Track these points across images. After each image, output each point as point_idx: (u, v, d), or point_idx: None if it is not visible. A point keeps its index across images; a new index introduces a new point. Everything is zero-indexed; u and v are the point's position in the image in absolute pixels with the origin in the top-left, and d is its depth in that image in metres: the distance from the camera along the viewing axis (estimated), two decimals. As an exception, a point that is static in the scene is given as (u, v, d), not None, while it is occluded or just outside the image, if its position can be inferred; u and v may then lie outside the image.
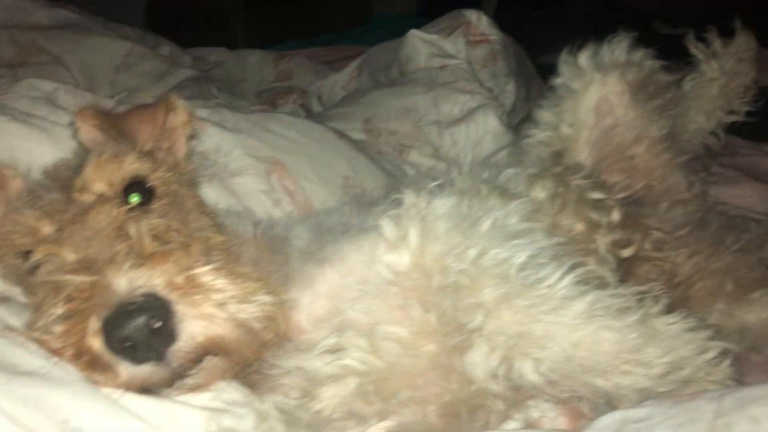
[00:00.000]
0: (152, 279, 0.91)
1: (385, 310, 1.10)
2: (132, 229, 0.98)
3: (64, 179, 1.14)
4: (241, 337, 0.94)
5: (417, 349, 1.07)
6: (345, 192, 1.77)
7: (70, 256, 0.96)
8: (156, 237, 0.99)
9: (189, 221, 1.13)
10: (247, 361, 0.99)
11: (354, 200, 1.52)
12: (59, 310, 0.91)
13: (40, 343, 0.93)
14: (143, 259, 0.93)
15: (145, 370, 0.90)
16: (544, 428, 0.99)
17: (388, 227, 1.14)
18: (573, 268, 0.99)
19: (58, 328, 0.91)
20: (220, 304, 0.92)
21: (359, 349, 1.04)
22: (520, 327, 0.94)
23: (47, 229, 1.06)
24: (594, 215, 1.26)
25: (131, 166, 1.13)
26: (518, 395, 0.98)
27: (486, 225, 1.10)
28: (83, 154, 1.23)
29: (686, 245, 1.53)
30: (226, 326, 0.92)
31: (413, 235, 1.12)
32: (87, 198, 1.08)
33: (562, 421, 1.00)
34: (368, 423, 1.00)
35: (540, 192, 1.30)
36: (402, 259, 1.12)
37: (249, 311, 0.95)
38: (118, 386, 0.91)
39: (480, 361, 0.96)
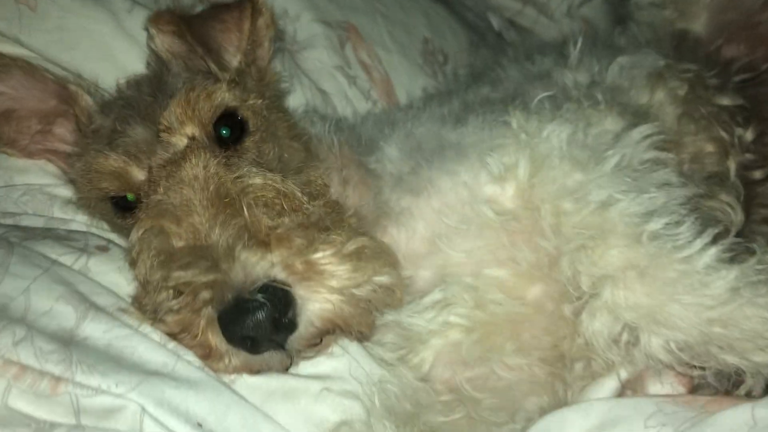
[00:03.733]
0: (271, 266, 0.84)
1: (487, 251, 1.01)
2: (243, 203, 0.89)
3: (144, 107, 1.03)
4: (361, 316, 0.89)
5: (521, 293, 1.00)
6: (425, 61, 1.59)
7: (172, 227, 0.89)
8: (265, 205, 0.90)
9: (286, 160, 1.04)
10: (365, 335, 0.94)
11: (442, 96, 1.35)
12: (171, 299, 0.86)
13: (156, 327, 0.89)
14: (259, 240, 0.85)
15: (264, 358, 0.87)
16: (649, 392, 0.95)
17: (491, 157, 1.01)
18: (715, 237, 0.87)
19: (172, 317, 0.86)
20: (340, 287, 0.86)
21: (464, 303, 0.97)
22: (653, 303, 0.85)
23: (138, 174, 0.98)
24: (725, 134, 1.09)
25: (222, 98, 1.02)
26: (633, 362, 0.92)
27: (612, 162, 0.96)
28: (159, 66, 1.10)
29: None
30: (345, 308, 0.86)
31: (522, 168, 0.99)
32: (177, 141, 0.98)
33: (676, 389, 0.94)
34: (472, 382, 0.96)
35: (665, 103, 1.12)
36: (507, 193, 1.01)
37: (368, 290, 0.89)
38: (234, 371, 0.89)
39: (602, 330, 0.89)
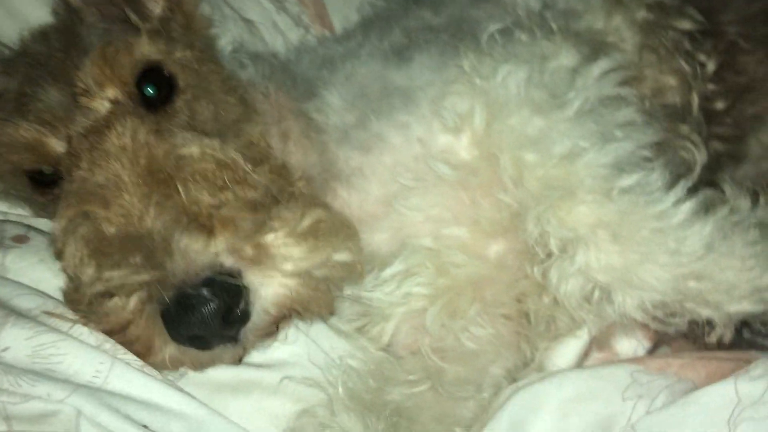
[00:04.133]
0: (216, 254, 0.75)
1: (445, 208, 0.95)
2: (179, 179, 0.79)
3: (56, 65, 0.89)
4: (320, 298, 0.82)
5: (482, 251, 0.96)
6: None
7: (100, 212, 0.78)
8: (205, 179, 0.80)
9: (222, 119, 0.93)
10: (324, 316, 0.88)
11: (382, 22, 1.22)
12: (105, 299, 0.76)
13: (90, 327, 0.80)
14: (200, 223, 0.76)
15: (214, 353, 0.80)
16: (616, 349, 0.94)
17: (443, 106, 0.93)
18: (688, 189, 0.83)
19: (107, 318, 0.77)
20: (297, 270, 0.78)
21: (425, 272, 0.92)
22: (627, 264, 0.81)
23: (56, 145, 0.86)
24: (687, 65, 1.03)
25: (143, 52, 0.89)
26: (604, 319, 0.90)
27: (574, 105, 0.90)
28: (69, 16, 0.95)
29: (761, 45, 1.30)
30: (303, 291, 0.79)
31: (478, 116, 0.92)
32: (98, 105, 0.86)
33: (642, 344, 0.94)
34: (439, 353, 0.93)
35: (623, 29, 1.04)
36: (463, 144, 0.94)
37: (327, 270, 0.81)
38: (180, 369, 0.81)
39: (574, 292, 0.86)
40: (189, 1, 1.03)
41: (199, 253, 0.74)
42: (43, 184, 0.90)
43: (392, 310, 0.94)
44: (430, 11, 1.20)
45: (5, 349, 0.77)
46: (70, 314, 0.81)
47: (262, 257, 0.77)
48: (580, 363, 0.94)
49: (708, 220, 0.81)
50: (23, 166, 0.89)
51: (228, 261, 0.76)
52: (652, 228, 0.81)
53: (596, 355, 0.96)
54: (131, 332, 0.77)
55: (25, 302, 0.83)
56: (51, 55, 0.90)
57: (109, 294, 0.76)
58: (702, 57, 1.05)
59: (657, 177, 0.84)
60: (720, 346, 0.88)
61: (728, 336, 0.87)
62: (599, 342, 0.95)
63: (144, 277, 0.73)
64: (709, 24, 1.12)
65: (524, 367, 0.96)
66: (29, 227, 0.94)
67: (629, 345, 0.95)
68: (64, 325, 0.80)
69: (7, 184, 0.96)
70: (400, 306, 0.94)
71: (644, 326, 0.91)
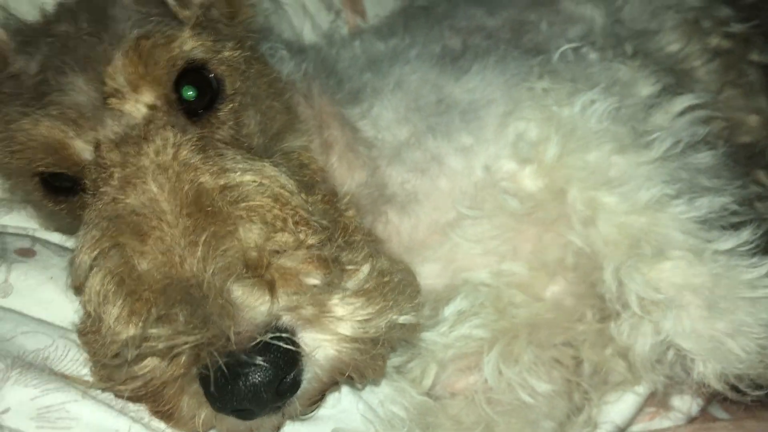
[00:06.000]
0: (276, 315, 0.64)
1: (503, 240, 0.87)
2: (233, 216, 0.66)
3: (85, 51, 0.75)
4: (374, 363, 0.72)
5: (540, 291, 0.88)
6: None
7: (135, 245, 0.65)
8: (261, 218, 0.68)
9: (267, 130, 0.82)
10: (375, 382, 0.79)
11: (426, 16, 1.11)
12: (136, 360, 0.64)
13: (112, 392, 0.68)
14: (257, 273, 0.64)
15: (254, 422, 0.69)
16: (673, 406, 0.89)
17: (508, 126, 0.85)
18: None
19: (136, 383, 0.65)
20: (356, 336, 0.67)
21: (485, 314, 0.84)
22: (715, 334, 0.75)
23: (82, 150, 0.74)
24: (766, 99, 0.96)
25: (184, 48, 0.75)
26: (675, 382, 0.84)
27: (662, 146, 0.82)
28: None
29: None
30: (359, 357, 0.68)
31: (554, 147, 0.84)
32: (132, 110, 0.73)
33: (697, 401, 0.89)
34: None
35: (698, 57, 0.96)
36: (527, 174, 0.86)
37: (388, 332, 0.70)
38: None
39: (650, 354, 0.79)
40: None
41: (256, 312, 0.63)
42: (57, 190, 0.78)
43: (444, 353, 0.86)
44: (482, 10, 1.10)
45: (6, 411, 0.65)
46: (86, 377, 0.70)
47: (321, 318, 0.66)
48: (635, 418, 0.89)
49: None
50: (38, 168, 0.76)
51: (284, 319, 0.65)
52: (745, 296, 0.75)
53: (650, 410, 0.91)
54: (166, 400, 0.66)
55: (31, 342, 0.71)
56: (79, 37, 0.77)
57: (144, 355, 0.64)
58: (780, 95, 0.98)
59: (748, 237, 0.78)
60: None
61: (799, 404, 0.83)
62: (656, 398, 0.89)
63: (193, 338, 0.61)
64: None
65: (576, 418, 0.89)
66: (35, 239, 0.81)
67: (685, 402, 0.90)
68: (79, 385, 0.69)
69: (14, 183, 0.83)
70: (453, 348, 0.86)
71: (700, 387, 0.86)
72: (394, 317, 0.70)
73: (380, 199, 0.88)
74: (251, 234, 0.66)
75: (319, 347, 0.66)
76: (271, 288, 0.64)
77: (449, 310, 0.85)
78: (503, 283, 0.87)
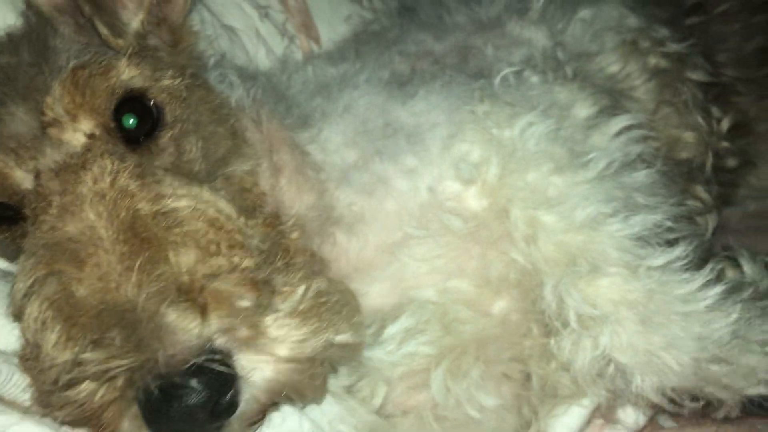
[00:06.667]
0: (209, 338, 0.65)
1: (449, 259, 0.89)
2: (167, 241, 0.68)
3: (26, 82, 0.76)
4: (314, 382, 0.73)
5: (486, 307, 0.90)
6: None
7: (72, 271, 0.67)
8: (196, 243, 0.69)
9: (211, 156, 0.82)
10: (316, 400, 0.79)
11: (377, 41, 1.14)
12: (71, 385, 0.65)
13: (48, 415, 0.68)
14: (191, 297, 0.66)
15: None
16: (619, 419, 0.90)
17: (452, 148, 0.87)
18: (715, 268, 0.79)
19: (72, 408, 0.66)
20: (293, 356, 0.69)
21: (432, 330, 0.86)
22: (650, 348, 0.77)
23: (22, 179, 0.74)
24: (703, 121, 0.99)
25: (122, 77, 0.77)
26: (617, 395, 0.86)
27: (598, 166, 0.84)
28: (41, 22, 0.82)
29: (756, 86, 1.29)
30: (297, 377, 0.70)
31: (494, 168, 0.86)
32: (71, 139, 0.74)
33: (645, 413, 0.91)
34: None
35: (636, 77, 1.00)
36: (471, 194, 0.88)
37: (326, 352, 0.72)
38: None
39: (590, 368, 0.81)
40: (175, 11, 0.91)
41: (189, 334, 0.64)
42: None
43: (392, 371, 0.87)
44: (430, 35, 1.13)
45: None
46: (23, 400, 0.70)
47: (257, 339, 0.68)
48: (583, 431, 0.90)
49: (735, 306, 0.78)
50: None
51: (220, 343, 0.66)
52: (678, 312, 0.77)
53: (598, 422, 0.92)
54: (100, 417, 0.66)
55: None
56: (20, 68, 0.78)
57: (79, 379, 0.65)
58: (717, 113, 1.02)
59: (681, 253, 0.80)
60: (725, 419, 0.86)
61: (735, 413, 0.85)
62: (602, 410, 0.91)
63: (126, 362, 0.63)
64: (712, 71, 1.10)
65: (523, 431, 0.91)
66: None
67: (632, 414, 0.91)
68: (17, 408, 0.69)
69: None
70: (401, 366, 0.87)
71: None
72: (331, 337, 0.71)
73: (328, 221, 0.90)
74: (185, 258, 0.68)
75: (255, 368, 0.67)
76: (203, 311, 0.65)
77: (395, 328, 0.87)
78: (449, 300, 0.89)
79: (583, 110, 0.91)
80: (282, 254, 0.77)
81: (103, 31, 0.79)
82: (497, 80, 0.93)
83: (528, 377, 0.92)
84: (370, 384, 0.88)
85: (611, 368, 0.82)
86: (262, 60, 1.20)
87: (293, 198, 0.91)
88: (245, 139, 0.91)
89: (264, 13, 1.22)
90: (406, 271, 0.90)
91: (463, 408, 0.87)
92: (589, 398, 0.89)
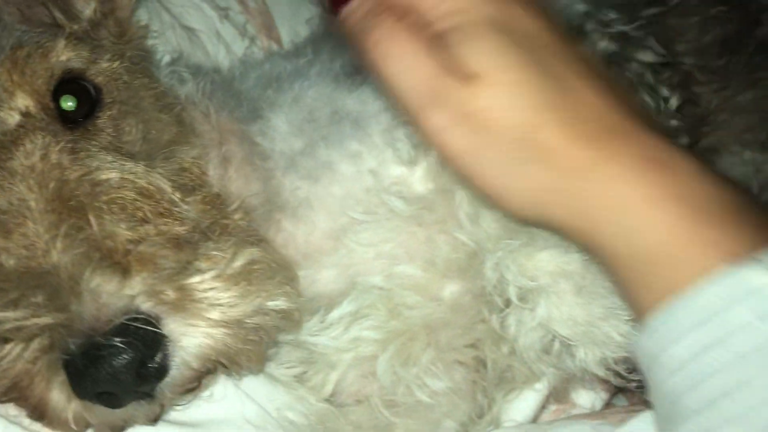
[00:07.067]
0: (132, 297, 0.65)
1: (397, 244, 0.88)
2: (92, 209, 0.69)
3: None
4: (250, 349, 0.73)
5: (437, 292, 0.89)
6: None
7: (1, 242, 0.68)
8: (123, 209, 0.71)
9: (152, 139, 0.83)
10: (253, 370, 0.79)
11: (335, 40, 1.14)
12: None
13: None
14: (114, 260, 0.66)
15: (126, 411, 0.69)
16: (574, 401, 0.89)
17: (398, 136, 0.87)
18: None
19: None
20: (225, 319, 0.69)
21: (377, 315, 0.85)
22: (589, 318, 0.76)
23: None
24: (651, 100, 0.99)
25: (60, 57, 0.78)
26: (564, 372, 0.85)
27: None
28: None
29: (716, 76, 1.29)
30: (231, 342, 0.70)
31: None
32: (6, 116, 0.75)
33: (600, 395, 0.89)
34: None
35: None
36: (417, 177, 0.88)
37: (260, 318, 0.72)
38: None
39: (533, 344, 0.80)
40: (122, 7, 0.93)
41: (111, 295, 0.64)
42: None
43: (339, 357, 0.86)
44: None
45: None
46: None
47: (185, 303, 0.68)
48: (538, 416, 0.89)
49: None
50: None
51: (146, 305, 0.66)
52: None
53: (553, 408, 0.91)
54: (27, 390, 0.66)
55: None
56: None
57: (2, 339, 0.66)
58: (665, 91, 1.01)
59: None
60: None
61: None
62: (557, 394, 0.89)
63: (45, 320, 0.63)
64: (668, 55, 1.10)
65: (479, 419, 0.89)
66: None
67: (588, 397, 0.90)
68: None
69: None
70: (348, 352, 0.86)
71: (601, 380, 0.86)
72: (261, 301, 0.72)
73: (274, 207, 0.90)
74: (109, 225, 0.68)
75: (186, 333, 0.67)
76: (125, 271, 0.66)
77: (338, 313, 0.86)
78: (397, 286, 0.87)
79: None
80: (220, 230, 0.77)
81: (58, 15, 0.81)
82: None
83: (483, 363, 0.91)
84: (319, 372, 0.87)
85: (557, 345, 0.81)
86: (223, 61, 1.21)
87: (241, 188, 0.91)
88: (194, 129, 0.92)
89: (224, 14, 1.23)
90: (354, 257, 0.89)
91: (413, 394, 0.86)
92: (542, 382, 0.88)
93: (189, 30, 1.18)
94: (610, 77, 0.68)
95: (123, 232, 0.69)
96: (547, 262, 0.78)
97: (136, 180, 0.74)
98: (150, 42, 0.98)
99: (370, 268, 0.89)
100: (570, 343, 0.78)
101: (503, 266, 0.80)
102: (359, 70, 1.00)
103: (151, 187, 0.75)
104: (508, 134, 0.61)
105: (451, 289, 0.90)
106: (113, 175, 0.73)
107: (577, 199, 0.62)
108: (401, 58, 0.63)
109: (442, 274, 0.89)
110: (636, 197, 0.59)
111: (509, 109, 0.60)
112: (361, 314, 0.86)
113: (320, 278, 0.90)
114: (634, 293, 0.62)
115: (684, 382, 0.55)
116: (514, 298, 0.80)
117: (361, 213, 0.88)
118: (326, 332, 0.86)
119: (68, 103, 0.79)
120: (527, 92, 0.60)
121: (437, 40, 0.62)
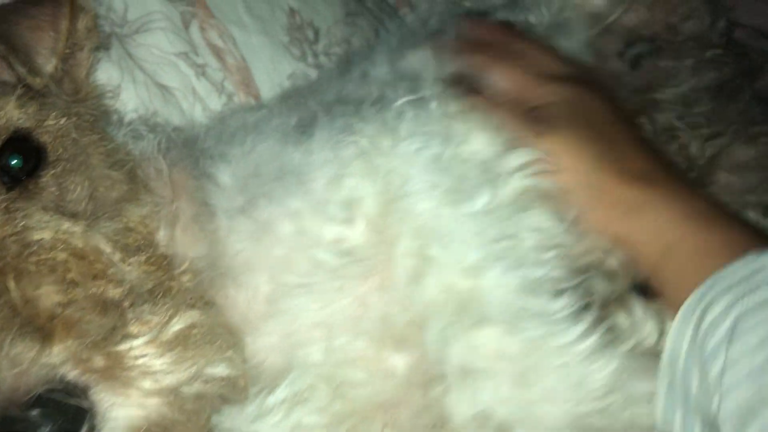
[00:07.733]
0: (54, 365, 0.62)
1: (337, 310, 0.84)
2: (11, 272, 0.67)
3: None
4: (189, 420, 0.70)
5: (388, 365, 0.84)
6: (291, 39, 1.36)
7: None
8: (52, 271, 0.68)
9: (100, 197, 0.83)
10: None
11: (303, 93, 1.14)
12: None
13: None
14: (37, 325, 0.64)
15: None
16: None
17: (339, 184, 0.84)
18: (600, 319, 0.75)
19: None
20: (159, 388, 0.66)
21: (319, 397, 0.81)
22: (526, 401, 0.73)
23: None
24: None
25: (8, 117, 0.79)
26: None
27: (480, 201, 0.81)
28: None
29: (707, 123, 1.23)
30: (167, 412, 0.67)
31: (371, 201, 0.83)
32: None
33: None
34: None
35: None
36: (356, 231, 0.84)
37: (200, 386, 0.70)
38: None
39: (471, 422, 0.76)
40: (78, 69, 0.94)
41: (32, 362, 0.61)
42: None
43: None
44: (353, 84, 1.12)
45: None
46: None
47: (115, 371, 0.65)
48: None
49: (614, 357, 0.73)
50: None
51: (72, 374, 0.63)
52: (553, 365, 0.73)
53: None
54: None
55: None
56: None
57: None
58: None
59: (564, 304, 0.76)
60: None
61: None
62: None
63: None
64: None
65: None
66: None
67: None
68: None
69: None
70: None
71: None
72: (201, 368, 0.69)
73: (218, 272, 0.87)
74: (35, 288, 0.66)
75: (116, 403, 0.64)
76: (48, 337, 0.63)
77: (274, 398, 0.82)
78: (338, 361, 0.83)
79: (481, 144, 0.88)
80: (163, 292, 0.75)
81: (21, 69, 0.82)
82: (392, 110, 0.90)
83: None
84: None
85: (493, 422, 0.76)
86: (199, 118, 1.21)
87: (187, 248, 0.90)
88: (146, 186, 0.91)
89: (201, 71, 1.23)
90: (293, 324, 0.85)
91: None
92: None
93: (163, 87, 1.19)
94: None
95: (50, 295, 0.66)
96: (490, 342, 0.75)
97: (71, 240, 0.72)
98: (107, 101, 0.99)
99: (309, 338, 0.84)
100: (507, 423, 0.73)
101: (450, 337, 0.76)
102: (312, 122, 0.98)
103: (87, 248, 0.73)
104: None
105: (402, 361, 0.85)
106: (46, 235, 0.71)
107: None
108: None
109: (389, 342, 0.85)
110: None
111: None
112: (302, 397, 0.81)
113: (261, 346, 0.86)
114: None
115: None
116: (453, 372, 0.76)
117: (298, 276, 0.84)
118: (266, 419, 0.82)
119: (14, 162, 0.78)
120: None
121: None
